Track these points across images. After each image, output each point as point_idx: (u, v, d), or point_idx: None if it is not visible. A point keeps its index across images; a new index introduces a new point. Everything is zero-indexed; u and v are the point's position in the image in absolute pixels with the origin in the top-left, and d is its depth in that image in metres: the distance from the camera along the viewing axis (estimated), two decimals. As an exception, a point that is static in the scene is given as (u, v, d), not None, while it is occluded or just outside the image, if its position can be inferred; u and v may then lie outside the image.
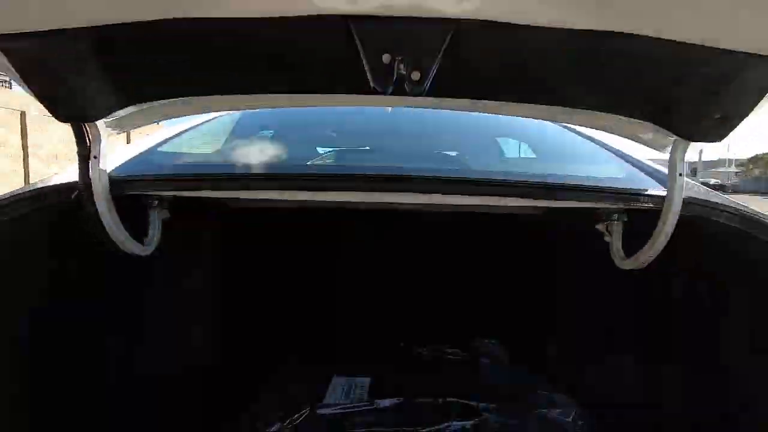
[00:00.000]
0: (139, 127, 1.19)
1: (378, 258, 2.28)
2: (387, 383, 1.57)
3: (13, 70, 0.81)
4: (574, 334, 1.78)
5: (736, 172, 54.14)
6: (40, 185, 1.09)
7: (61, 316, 1.16)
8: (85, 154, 0.99)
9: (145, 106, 1.04)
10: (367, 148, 1.84)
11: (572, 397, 1.48)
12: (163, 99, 1.02)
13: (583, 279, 1.75)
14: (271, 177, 1.14)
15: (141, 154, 1.42)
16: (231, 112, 1.81)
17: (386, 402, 1.44)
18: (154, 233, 1.23)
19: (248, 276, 2.17)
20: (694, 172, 34.36)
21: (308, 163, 1.46)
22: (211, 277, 1.85)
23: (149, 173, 1.19)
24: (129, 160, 1.36)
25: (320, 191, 1.12)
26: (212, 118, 1.88)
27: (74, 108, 0.93)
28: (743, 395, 1.01)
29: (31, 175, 11.49)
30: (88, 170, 0.99)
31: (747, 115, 0.91)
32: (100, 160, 1.00)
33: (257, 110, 1.82)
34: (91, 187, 1.01)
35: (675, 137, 1.03)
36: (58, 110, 0.93)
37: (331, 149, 1.56)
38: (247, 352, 1.85)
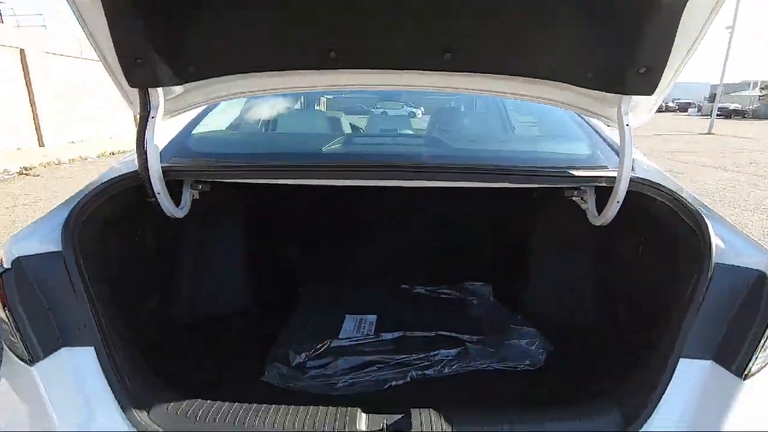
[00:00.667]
0: (190, 108, 1.44)
1: (384, 214, 2.55)
2: (390, 320, 1.93)
3: (104, 17, 1.05)
4: (545, 279, 2.10)
5: (760, 96, 51.65)
6: (130, 170, 1.36)
7: (136, 264, 1.51)
8: (145, 114, 1.25)
9: (202, 83, 1.30)
10: (366, 131, 2.04)
11: (539, 330, 1.82)
12: (228, 74, 1.28)
13: (554, 234, 2.03)
14: (294, 168, 1.39)
15: (178, 136, 1.66)
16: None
17: (389, 335, 1.80)
18: (186, 201, 1.54)
19: (270, 231, 2.48)
20: (712, 98, 32.92)
21: (324, 149, 1.69)
22: (239, 234, 2.15)
23: (186, 165, 1.46)
24: (170, 143, 1.61)
25: (339, 179, 1.38)
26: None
27: (146, 72, 1.17)
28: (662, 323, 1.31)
29: (39, 115, 11.54)
30: (145, 128, 1.25)
31: (664, 65, 1.11)
32: (156, 121, 1.25)
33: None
34: (149, 173, 1.29)
35: (612, 95, 1.25)
36: (133, 73, 1.17)
37: (340, 137, 1.77)
38: (273, 296, 2.21)
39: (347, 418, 1.10)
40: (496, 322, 1.96)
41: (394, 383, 1.55)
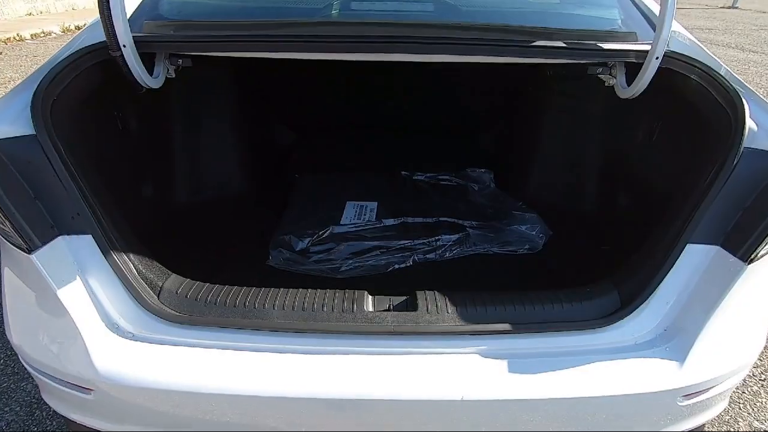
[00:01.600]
0: None
1: (383, 94, 2.38)
2: (391, 207, 1.92)
3: None
4: (550, 165, 2.05)
5: (797, -38, 46.04)
6: (99, 40, 1.18)
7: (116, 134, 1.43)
8: None
9: None
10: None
11: (542, 217, 1.82)
12: None
13: (562, 117, 1.93)
14: (288, 40, 1.21)
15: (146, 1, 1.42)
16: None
17: (390, 221, 1.80)
18: (160, 71, 1.37)
19: (263, 112, 2.33)
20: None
21: (318, 17, 1.46)
22: (230, 114, 2.02)
23: (161, 34, 1.26)
24: (138, 7, 1.38)
25: (340, 53, 1.21)
26: None
27: None
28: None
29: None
30: None
31: None
32: None
33: None
34: (111, 16, 1.10)
35: None
36: None
37: (335, 2, 1.52)
38: (269, 182, 2.16)
39: (355, 299, 1.13)
40: (498, 208, 1.95)
41: (396, 266, 1.59)
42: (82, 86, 1.17)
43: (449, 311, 1.09)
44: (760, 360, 1.92)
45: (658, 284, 1.09)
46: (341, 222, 1.80)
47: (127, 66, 1.19)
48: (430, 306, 1.11)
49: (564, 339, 1.08)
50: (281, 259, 1.57)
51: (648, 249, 1.18)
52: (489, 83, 2.28)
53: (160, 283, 1.14)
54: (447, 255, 1.65)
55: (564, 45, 1.22)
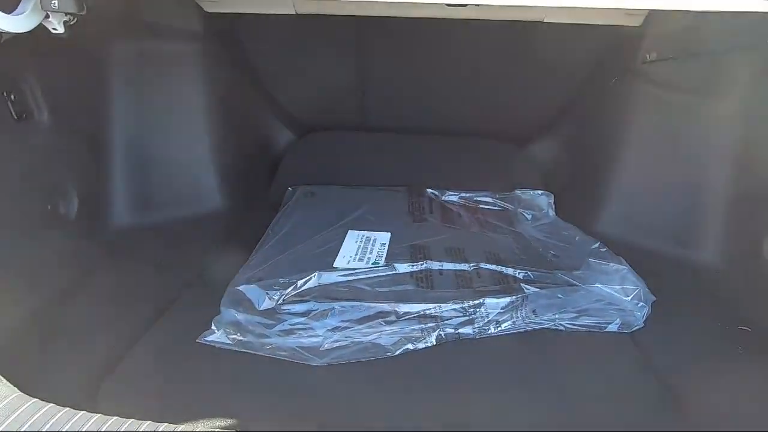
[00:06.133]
0: None
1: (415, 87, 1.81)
2: (409, 241, 1.34)
3: None
4: (638, 189, 1.44)
5: None
6: None
7: None
8: None
9: None
10: None
11: (628, 264, 1.20)
12: None
13: (663, 123, 1.35)
14: None
15: None
16: None
17: (406, 267, 1.22)
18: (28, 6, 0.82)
19: (255, 97, 1.83)
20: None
21: None
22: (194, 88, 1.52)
23: None
24: None
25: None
26: None
27: None
28: None
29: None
30: None
31: None
32: None
33: None
34: None
35: None
36: None
37: None
38: (253, 193, 1.65)
39: None
40: (565, 249, 1.34)
41: (411, 347, 1.00)
42: None
43: None
44: None
45: None
46: (335, 264, 1.23)
47: None
48: None
49: None
50: (228, 327, 1.00)
51: None
52: (553, 64, 1.64)
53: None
54: (491, 330, 1.05)
55: None
